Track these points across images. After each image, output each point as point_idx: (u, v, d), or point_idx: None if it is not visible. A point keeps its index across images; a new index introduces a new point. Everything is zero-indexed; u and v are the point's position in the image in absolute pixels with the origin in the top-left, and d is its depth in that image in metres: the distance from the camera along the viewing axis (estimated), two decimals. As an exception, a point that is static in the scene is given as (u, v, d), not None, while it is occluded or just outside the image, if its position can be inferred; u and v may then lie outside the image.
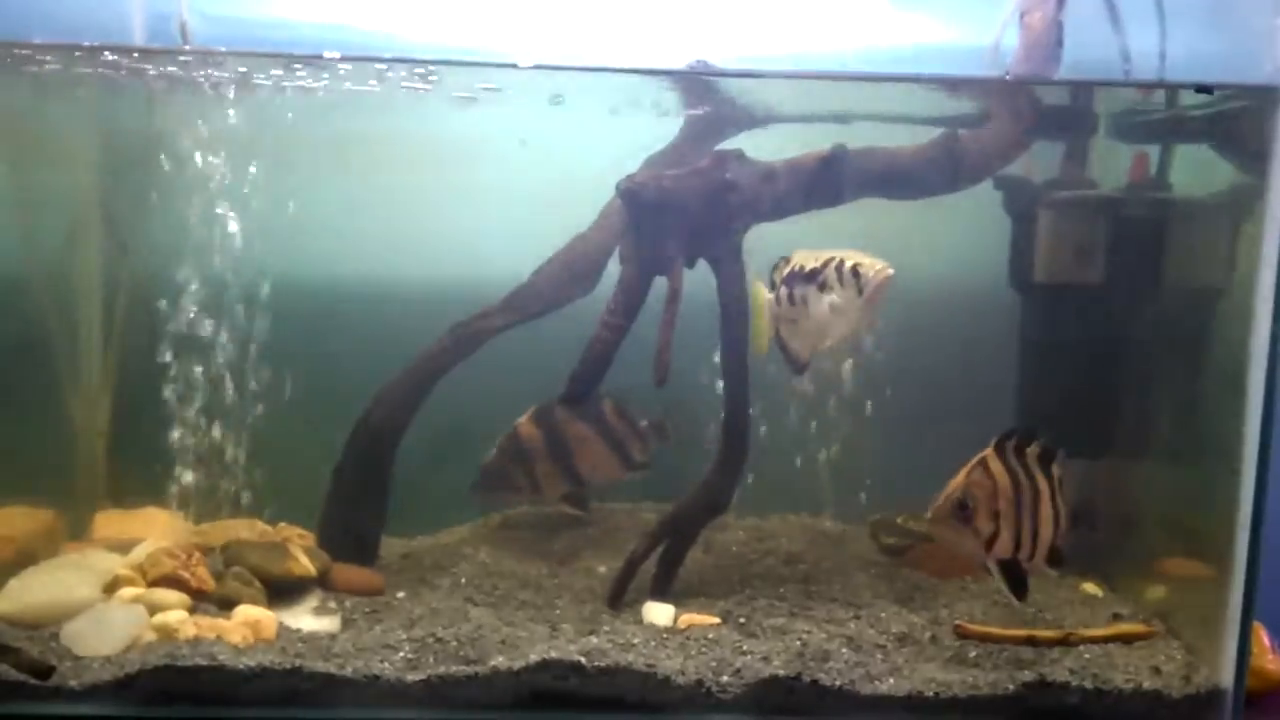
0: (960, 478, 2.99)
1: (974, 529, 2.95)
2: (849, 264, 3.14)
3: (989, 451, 3.02)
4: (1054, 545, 3.05)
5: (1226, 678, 2.97)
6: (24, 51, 3.15)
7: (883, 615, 3.26)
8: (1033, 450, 3.06)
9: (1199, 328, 3.30)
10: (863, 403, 3.91)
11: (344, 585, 3.41)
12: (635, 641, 3.02)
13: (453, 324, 3.56)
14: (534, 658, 2.89)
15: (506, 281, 3.56)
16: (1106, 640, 3.15)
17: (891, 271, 3.12)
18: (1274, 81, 2.93)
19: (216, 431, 3.81)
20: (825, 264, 3.19)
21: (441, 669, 2.90)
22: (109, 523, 3.75)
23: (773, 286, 3.38)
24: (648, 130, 3.59)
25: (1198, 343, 3.31)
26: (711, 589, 3.47)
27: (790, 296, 3.28)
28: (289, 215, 3.73)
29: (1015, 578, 3.03)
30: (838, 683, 2.91)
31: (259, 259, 3.73)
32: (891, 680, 2.94)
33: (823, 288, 3.16)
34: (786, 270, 3.32)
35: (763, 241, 3.36)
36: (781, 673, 2.91)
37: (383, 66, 3.25)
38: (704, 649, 3.02)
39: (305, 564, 3.36)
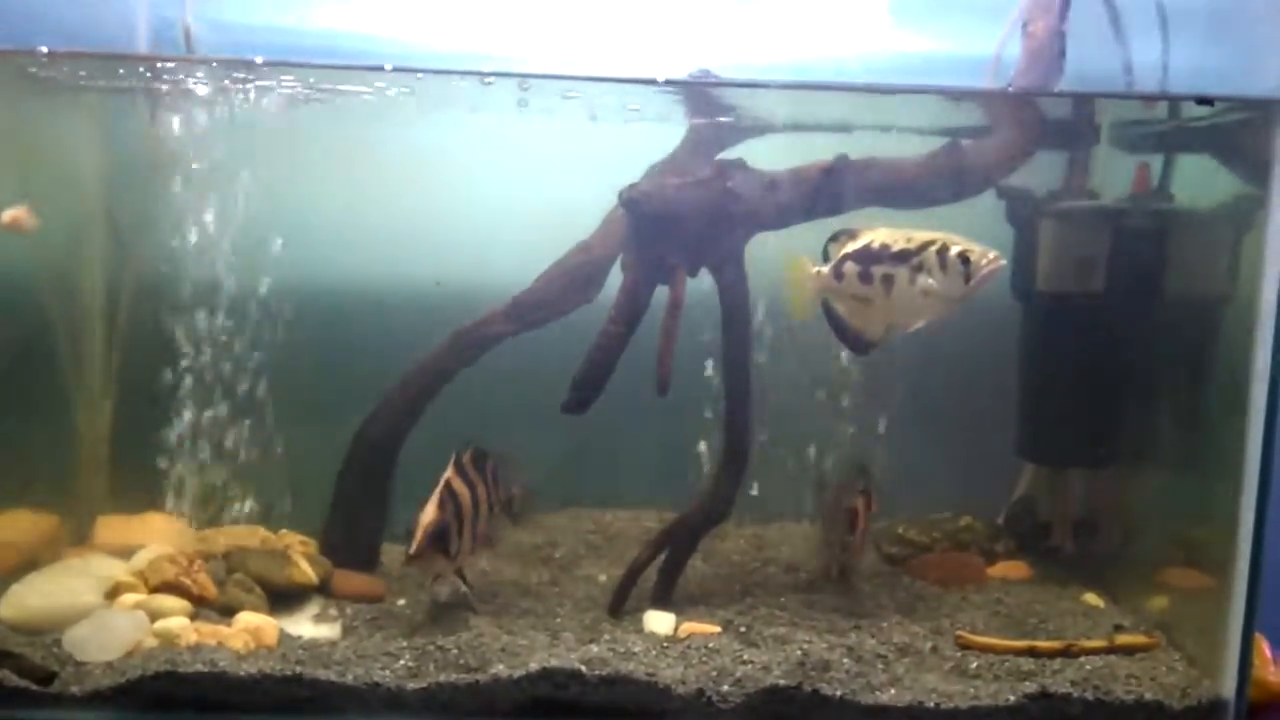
0: (432, 507, 3.02)
1: (447, 551, 3.03)
2: (955, 250, 3.00)
3: (450, 472, 3.08)
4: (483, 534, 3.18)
5: (1228, 689, 2.97)
6: (29, 59, 3.16)
7: (884, 625, 3.26)
8: (468, 456, 3.18)
9: (1201, 338, 3.30)
10: (865, 412, 3.90)
11: (345, 592, 3.42)
12: (636, 650, 3.03)
13: (454, 331, 3.56)
14: (534, 666, 2.89)
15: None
16: (1108, 651, 3.16)
17: (1003, 261, 2.98)
18: (1275, 94, 2.94)
19: (219, 438, 3.80)
20: (923, 246, 3.03)
21: (442, 677, 2.90)
22: (111, 528, 3.74)
23: (826, 259, 3.20)
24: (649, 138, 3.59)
25: (1199, 353, 3.31)
26: (712, 598, 3.47)
27: (864, 275, 3.09)
28: (291, 221, 3.73)
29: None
30: (838, 693, 2.91)
31: (261, 265, 3.73)
32: (892, 690, 2.94)
33: (919, 270, 3.02)
34: (854, 246, 3.12)
35: (765, 249, 3.36)
36: (782, 682, 2.91)
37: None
38: (705, 658, 3.02)
39: (306, 571, 3.37)
